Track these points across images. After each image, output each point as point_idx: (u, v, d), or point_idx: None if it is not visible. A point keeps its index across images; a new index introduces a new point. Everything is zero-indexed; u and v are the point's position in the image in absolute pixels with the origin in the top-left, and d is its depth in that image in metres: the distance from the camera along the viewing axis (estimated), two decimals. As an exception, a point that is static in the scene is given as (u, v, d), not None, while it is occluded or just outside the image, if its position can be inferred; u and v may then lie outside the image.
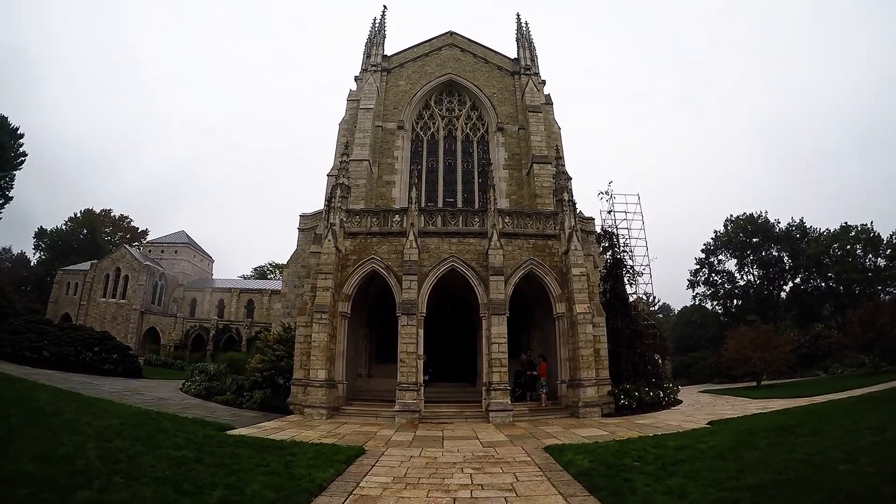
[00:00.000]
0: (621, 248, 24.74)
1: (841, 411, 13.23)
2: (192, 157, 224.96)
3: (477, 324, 20.18)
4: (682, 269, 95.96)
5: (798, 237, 65.12)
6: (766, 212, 66.94)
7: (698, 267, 70.74)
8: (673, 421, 14.97)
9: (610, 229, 25.36)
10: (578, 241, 19.39)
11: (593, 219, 26.20)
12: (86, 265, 69.06)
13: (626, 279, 24.23)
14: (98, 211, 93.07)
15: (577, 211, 20.96)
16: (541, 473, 8.40)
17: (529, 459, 9.68)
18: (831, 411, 13.53)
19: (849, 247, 58.93)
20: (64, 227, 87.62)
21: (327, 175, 27.04)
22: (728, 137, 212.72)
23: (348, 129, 29.03)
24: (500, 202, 23.92)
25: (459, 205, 27.82)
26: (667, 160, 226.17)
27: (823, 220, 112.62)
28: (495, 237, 18.85)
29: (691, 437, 11.11)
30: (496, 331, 17.71)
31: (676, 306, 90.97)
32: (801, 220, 65.59)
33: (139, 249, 76.52)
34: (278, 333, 21.88)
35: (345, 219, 19.99)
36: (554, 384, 19.27)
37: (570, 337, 18.53)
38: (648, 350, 21.96)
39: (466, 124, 30.91)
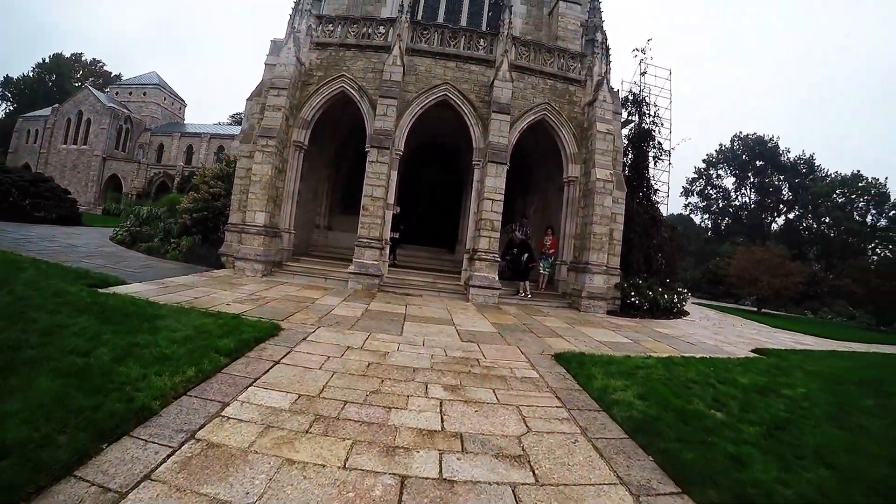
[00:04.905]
0: (651, 118, 20.11)
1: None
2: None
3: (465, 178, 16.22)
4: (676, 178, 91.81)
5: (804, 172, 63.38)
6: (778, 137, 65.34)
7: (696, 177, 69.59)
8: (703, 337, 11.54)
9: (642, 94, 20.46)
10: (608, 91, 15.06)
11: (617, 91, 21.49)
12: (46, 111, 63.42)
13: (650, 156, 19.96)
14: (68, 55, 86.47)
15: (609, 63, 16.41)
16: (564, 412, 4.77)
17: (536, 376, 6.04)
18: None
19: (854, 196, 57.14)
20: (31, 74, 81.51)
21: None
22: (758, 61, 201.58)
23: (334, -70, 22.79)
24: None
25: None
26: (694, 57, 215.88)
27: (836, 164, 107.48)
28: (505, 66, 14.27)
29: (758, 371, 7.67)
30: (491, 184, 13.69)
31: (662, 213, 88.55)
32: (812, 157, 63.77)
33: (105, 91, 68.85)
34: (219, 168, 17.58)
35: (313, 25, 15.05)
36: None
37: (582, 208, 14.81)
38: (665, 243, 18.35)
39: (481, -57, 24.65)
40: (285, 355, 5.64)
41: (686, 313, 16.65)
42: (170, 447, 3.21)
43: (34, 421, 3.11)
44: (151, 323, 5.97)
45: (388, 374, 5.41)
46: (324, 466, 3.15)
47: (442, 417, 4.29)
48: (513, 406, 4.77)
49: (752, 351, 10.32)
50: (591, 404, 5.09)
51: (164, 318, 6.35)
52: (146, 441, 3.25)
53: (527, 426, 4.29)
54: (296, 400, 4.30)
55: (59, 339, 4.84)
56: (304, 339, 6.53)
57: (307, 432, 3.67)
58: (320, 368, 5.32)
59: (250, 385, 4.53)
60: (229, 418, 3.78)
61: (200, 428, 3.54)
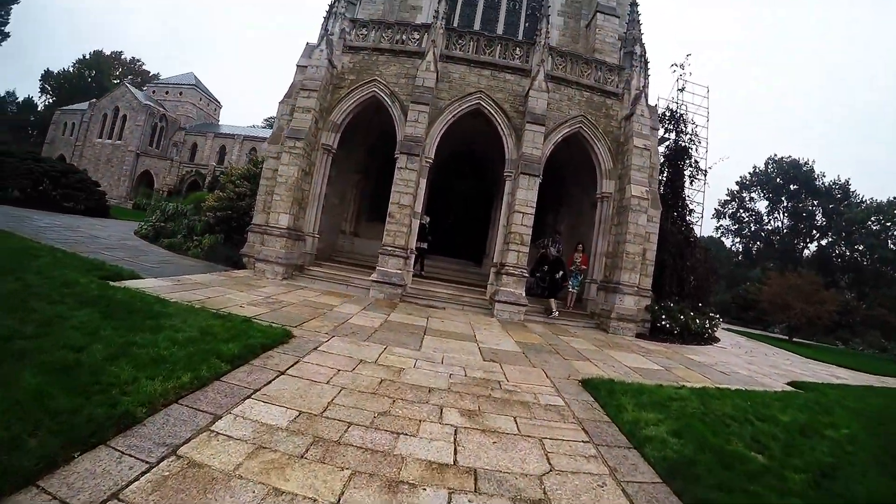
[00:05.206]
0: (689, 135, 19.46)
1: None
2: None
3: (496, 190, 15.81)
4: (709, 200, 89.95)
5: (839, 197, 61.08)
6: (814, 161, 63.01)
7: (728, 199, 67.92)
8: (737, 367, 10.82)
9: (679, 110, 19.81)
10: (647, 106, 14.60)
11: (655, 106, 20.89)
12: (84, 105, 65.01)
13: (686, 174, 19.30)
14: (108, 53, 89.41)
15: (648, 77, 15.86)
16: (592, 448, 4.28)
17: (562, 404, 5.55)
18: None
19: (889, 224, 55.02)
20: (72, 69, 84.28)
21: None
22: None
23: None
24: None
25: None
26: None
27: (871, 190, 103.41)
28: (541, 76, 13.85)
29: (797, 407, 7.02)
30: (523, 196, 13.21)
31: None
32: (847, 181, 61.64)
33: (143, 90, 70.75)
34: (246, 168, 17.49)
35: (347, 29, 14.89)
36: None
37: (615, 226, 14.22)
38: (699, 265, 17.62)
39: (519, -43, 24.39)
40: (292, 365, 5.27)
41: (717, 339, 15.88)
42: (146, 463, 2.87)
43: (6, 419, 2.85)
44: (156, 321, 5.70)
45: (400, 393, 5.00)
46: (314, 501, 2.75)
47: (455, 448, 3.85)
48: (535, 438, 4.31)
49: (788, 384, 9.64)
50: (620, 440, 4.60)
51: (171, 316, 6.07)
52: (122, 453, 2.93)
53: (549, 463, 3.82)
54: (295, 417, 3.93)
55: (55, 332, 4.61)
56: (316, 348, 6.17)
57: (302, 457, 3.28)
58: (328, 383, 4.93)
59: (248, 397, 4.18)
60: (218, 434, 3.42)
61: (185, 443, 3.20)
